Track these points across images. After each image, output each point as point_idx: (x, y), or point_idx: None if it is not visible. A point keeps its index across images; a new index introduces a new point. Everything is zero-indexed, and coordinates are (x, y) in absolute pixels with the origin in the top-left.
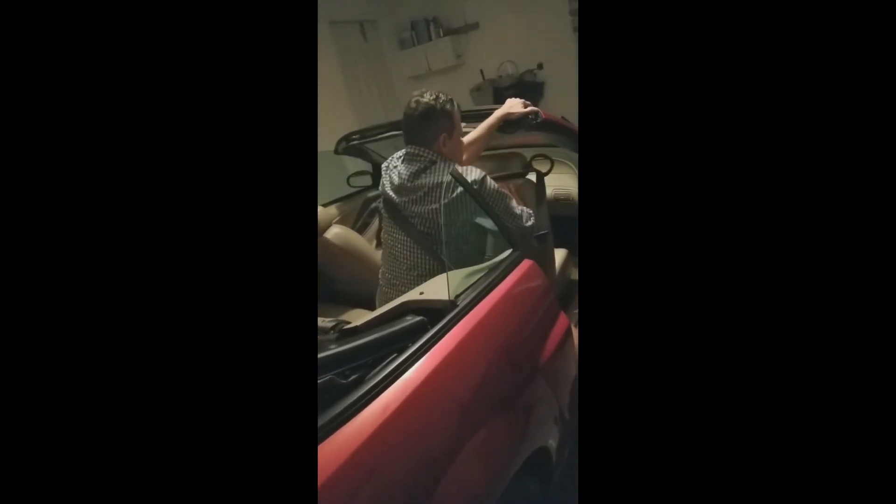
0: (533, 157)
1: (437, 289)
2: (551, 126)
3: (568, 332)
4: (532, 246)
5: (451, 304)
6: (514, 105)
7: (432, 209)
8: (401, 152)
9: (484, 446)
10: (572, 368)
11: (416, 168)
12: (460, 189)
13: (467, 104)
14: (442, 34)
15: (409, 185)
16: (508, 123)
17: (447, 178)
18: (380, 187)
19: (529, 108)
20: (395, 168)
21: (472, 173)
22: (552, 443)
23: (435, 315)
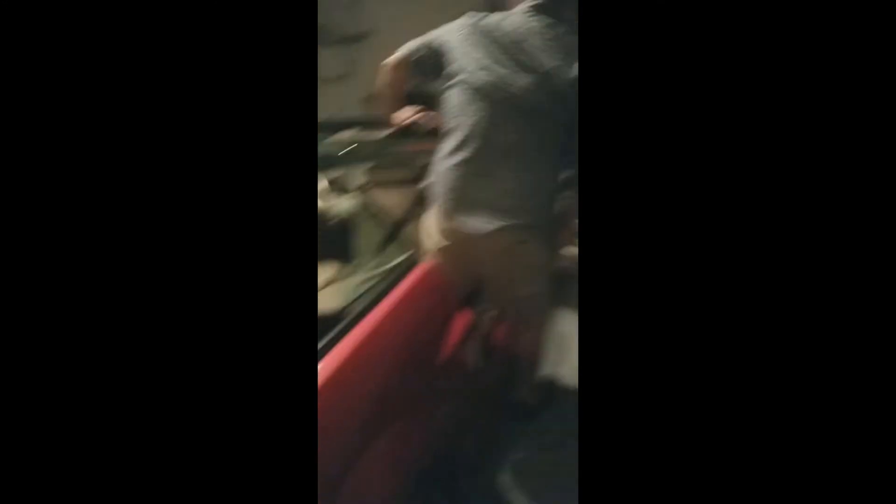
0: None
1: (330, 297)
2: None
3: (471, 329)
4: None
5: (345, 311)
6: (405, 111)
7: None
8: None
9: (385, 454)
10: (478, 366)
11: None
12: None
13: (358, 114)
14: (331, 42)
15: None
16: (404, 132)
17: None
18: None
19: (421, 115)
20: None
21: None
22: (460, 446)
23: (327, 323)
